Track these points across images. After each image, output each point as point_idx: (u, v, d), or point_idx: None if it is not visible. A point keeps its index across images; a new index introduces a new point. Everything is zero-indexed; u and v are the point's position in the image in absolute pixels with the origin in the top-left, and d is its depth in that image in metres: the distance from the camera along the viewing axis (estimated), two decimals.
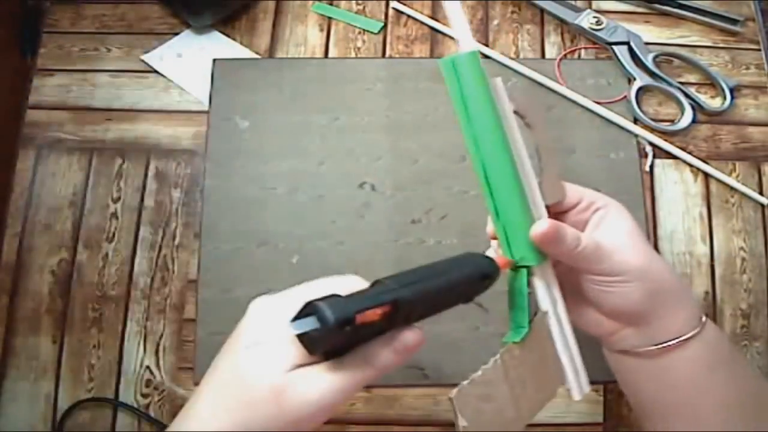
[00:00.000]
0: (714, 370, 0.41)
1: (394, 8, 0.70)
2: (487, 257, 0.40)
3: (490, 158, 0.39)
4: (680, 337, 0.40)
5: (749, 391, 0.42)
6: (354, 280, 0.37)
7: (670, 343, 0.40)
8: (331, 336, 0.34)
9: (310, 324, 0.35)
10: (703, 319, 0.41)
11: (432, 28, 0.69)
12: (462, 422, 0.36)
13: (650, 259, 0.41)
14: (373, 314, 0.35)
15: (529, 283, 0.40)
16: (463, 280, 0.39)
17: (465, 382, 0.37)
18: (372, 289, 0.37)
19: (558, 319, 0.41)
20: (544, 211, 0.41)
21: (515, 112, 0.40)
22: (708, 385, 0.41)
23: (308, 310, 0.34)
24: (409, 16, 0.70)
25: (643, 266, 0.40)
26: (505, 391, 0.38)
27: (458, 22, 0.39)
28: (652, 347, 0.41)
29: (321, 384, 0.34)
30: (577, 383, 0.42)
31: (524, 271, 0.40)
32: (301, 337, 0.35)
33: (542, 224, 0.38)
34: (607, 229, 0.41)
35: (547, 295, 0.41)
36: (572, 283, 0.42)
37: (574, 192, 0.43)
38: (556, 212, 0.42)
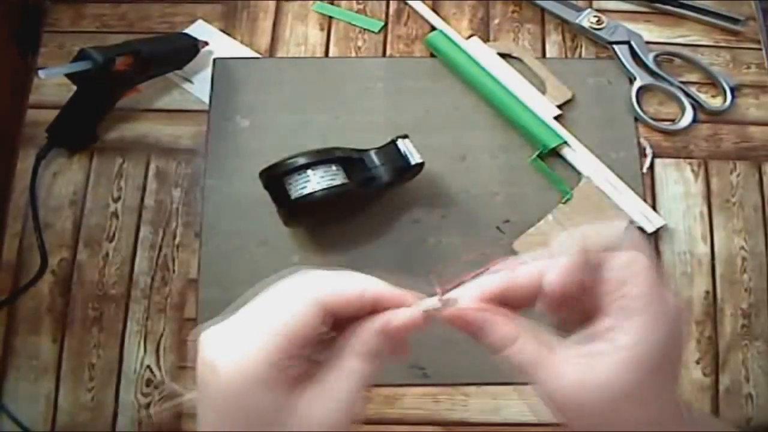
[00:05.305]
0: None
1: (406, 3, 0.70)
2: (192, 37, 0.64)
3: (493, 91, 0.64)
4: None
5: None
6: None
7: None
8: (99, 74, 0.52)
9: (83, 65, 0.53)
10: None
11: (433, 28, 0.69)
12: None
13: None
14: (126, 61, 0.55)
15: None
16: (182, 47, 0.63)
17: (524, 234, 0.59)
18: (119, 45, 0.58)
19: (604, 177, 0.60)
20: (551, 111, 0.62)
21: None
22: None
23: (79, 56, 0.53)
24: (411, 10, 0.70)
25: None
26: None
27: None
28: None
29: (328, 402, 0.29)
30: (644, 218, 0.58)
31: (537, 158, 0.62)
32: (74, 77, 0.53)
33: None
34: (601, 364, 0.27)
35: (582, 162, 0.61)
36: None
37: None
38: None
